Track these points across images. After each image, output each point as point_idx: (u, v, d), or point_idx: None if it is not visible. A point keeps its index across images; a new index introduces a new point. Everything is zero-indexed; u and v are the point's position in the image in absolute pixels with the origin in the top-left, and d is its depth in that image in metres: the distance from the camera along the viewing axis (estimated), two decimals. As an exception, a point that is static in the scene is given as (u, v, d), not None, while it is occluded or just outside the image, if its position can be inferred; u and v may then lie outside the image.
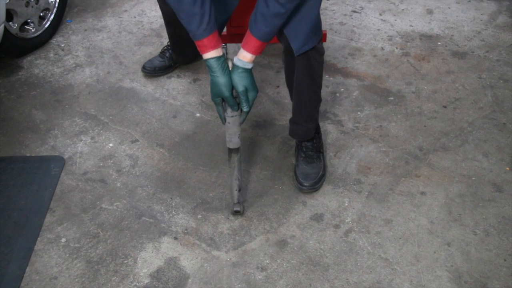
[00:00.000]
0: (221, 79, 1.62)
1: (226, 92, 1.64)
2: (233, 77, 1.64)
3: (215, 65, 1.61)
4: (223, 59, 1.63)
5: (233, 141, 1.78)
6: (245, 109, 1.69)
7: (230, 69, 1.65)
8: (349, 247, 1.78)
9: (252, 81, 1.67)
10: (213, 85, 1.64)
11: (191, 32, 1.59)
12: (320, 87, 1.93)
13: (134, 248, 1.80)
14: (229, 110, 1.70)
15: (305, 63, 1.78)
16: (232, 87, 1.65)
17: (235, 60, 1.64)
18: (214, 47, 1.60)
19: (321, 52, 1.82)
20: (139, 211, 1.92)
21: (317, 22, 1.73)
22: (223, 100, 1.68)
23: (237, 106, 1.69)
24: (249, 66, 1.64)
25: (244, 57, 1.63)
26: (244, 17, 2.19)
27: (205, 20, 1.56)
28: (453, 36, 2.83)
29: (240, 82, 1.64)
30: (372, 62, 2.65)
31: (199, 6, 1.54)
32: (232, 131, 1.75)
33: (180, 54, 2.52)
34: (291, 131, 2.05)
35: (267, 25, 1.59)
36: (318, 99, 1.96)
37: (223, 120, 1.73)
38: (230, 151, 1.80)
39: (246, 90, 1.66)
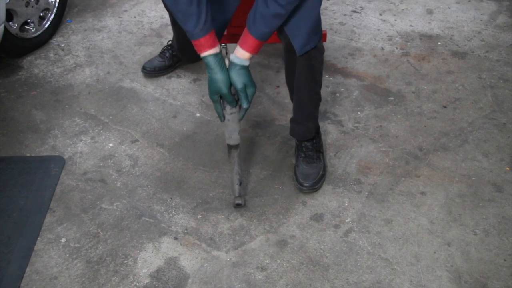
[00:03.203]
0: (219, 76, 1.63)
1: (224, 88, 1.64)
2: (231, 75, 1.64)
3: (212, 62, 1.62)
4: (220, 56, 1.63)
5: (233, 138, 1.78)
6: (245, 105, 1.69)
7: (227, 67, 1.66)
8: (349, 247, 1.78)
9: (250, 77, 1.67)
10: (211, 82, 1.65)
11: (188, 32, 1.60)
12: (320, 86, 1.94)
13: (134, 248, 1.80)
14: (228, 107, 1.70)
15: (306, 63, 1.78)
16: (230, 84, 1.65)
17: (232, 57, 1.65)
18: (211, 46, 1.61)
19: (321, 51, 1.83)
20: (139, 211, 1.92)
21: (318, 21, 1.74)
22: (221, 97, 1.68)
23: (235, 102, 1.69)
24: (247, 63, 1.65)
25: (242, 54, 1.64)
26: (244, 17, 2.19)
27: (202, 20, 1.57)
28: (453, 36, 2.83)
29: (239, 79, 1.64)
30: (372, 62, 2.65)
31: (195, 6, 1.54)
32: (231, 128, 1.76)
33: (185, 54, 2.52)
34: (291, 131, 2.06)
35: (266, 26, 1.59)
36: (318, 99, 1.97)
37: (222, 118, 1.73)
38: (230, 147, 1.81)
39: (245, 87, 1.66)
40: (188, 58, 2.57)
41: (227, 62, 1.66)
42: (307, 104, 1.94)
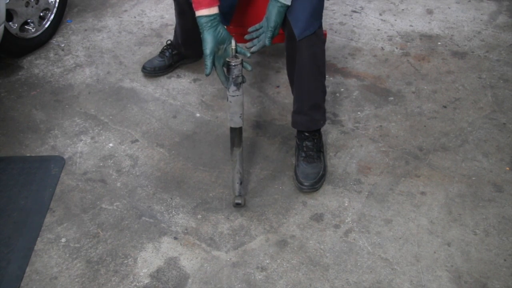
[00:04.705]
0: (205, 36, 1.67)
1: (206, 49, 1.67)
2: (270, 10, 1.74)
3: (203, 22, 1.67)
4: (214, 18, 1.67)
5: (234, 120, 1.77)
6: (268, 43, 1.77)
7: (233, 47, 1.69)
8: (349, 247, 1.78)
9: (283, 20, 1.77)
10: (202, 41, 1.70)
11: None
12: (324, 76, 1.95)
13: (134, 248, 1.80)
14: (231, 88, 1.71)
15: (308, 51, 1.82)
16: (216, 49, 1.68)
17: None
18: (208, 5, 1.66)
19: (322, 39, 1.87)
20: (139, 211, 1.92)
21: (318, 7, 1.79)
22: (228, 69, 1.70)
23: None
24: (289, 2, 1.73)
25: None
26: (244, 17, 2.19)
27: None
28: (453, 36, 2.83)
29: (278, 17, 1.74)
30: (372, 62, 2.65)
31: None
32: (233, 110, 1.75)
33: (189, 48, 2.52)
34: (293, 123, 2.04)
35: None
36: (323, 89, 1.98)
37: (223, 83, 1.75)
38: (233, 131, 1.80)
39: (275, 27, 1.75)
40: (192, 53, 2.57)
41: (233, 43, 1.68)
42: (310, 93, 1.95)
